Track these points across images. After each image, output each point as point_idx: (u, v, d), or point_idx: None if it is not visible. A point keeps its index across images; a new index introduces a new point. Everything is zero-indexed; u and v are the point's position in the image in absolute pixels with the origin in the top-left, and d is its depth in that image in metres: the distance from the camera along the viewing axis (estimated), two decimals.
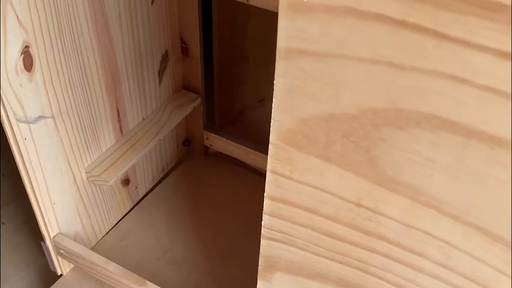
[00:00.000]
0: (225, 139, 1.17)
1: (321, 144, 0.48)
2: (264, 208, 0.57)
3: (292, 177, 0.52)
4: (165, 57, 1.03)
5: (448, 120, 0.40)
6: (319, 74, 0.44)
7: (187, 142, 1.22)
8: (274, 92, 0.48)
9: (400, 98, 0.41)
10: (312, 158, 0.49)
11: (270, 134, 0.51)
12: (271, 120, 0.50)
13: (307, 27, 0.41)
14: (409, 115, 0.41)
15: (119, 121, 0.96)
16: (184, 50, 1.08)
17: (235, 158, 1.19)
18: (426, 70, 0.38)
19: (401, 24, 0.37)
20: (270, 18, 0.91)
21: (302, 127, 0.48)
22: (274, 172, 0.53)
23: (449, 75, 0.38)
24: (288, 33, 0.43)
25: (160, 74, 1.04)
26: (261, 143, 1.20)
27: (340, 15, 0.39)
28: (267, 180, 0.54)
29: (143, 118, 1.03)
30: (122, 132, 0.98)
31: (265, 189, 0.55)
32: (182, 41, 1.06)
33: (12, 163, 0.80)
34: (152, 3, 0.93)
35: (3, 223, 1.15)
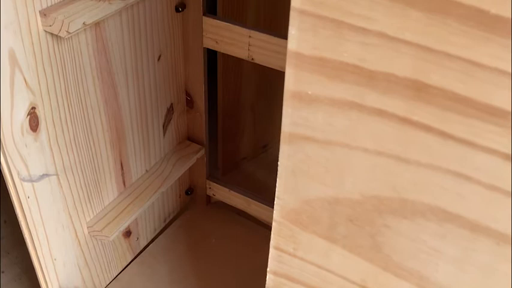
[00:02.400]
0: (227, 189, 1.17)
1: (325, 225, 0.48)
2: (266, 282, 0.56)
3: (296, 255, 0.52)
4: (170, 110, 1.04)
5: (454, 213, 0.39)
6: (324, 160, 0.44)
7: (189, 191, 1.21)
8: (278, 172, 0.48)
9: (404, 188, 0.41)
10: (316, 237, 0.49)
11: (274, 211, 0.51)
12: (275, 198, 0.50)
13: (311, 116, 0.42)
14: (414, 206, 0.41)
15: (122, 174, 0.96)
16: (189, 103, 1.09)
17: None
18: (431, 165, 0.38)
19: (405, 121, 0.37)
20: (274, 70, 0.92)
21: (306, 207, 0.48)
22: (277, 248, 0.53)
23: (454, 172, 0.38)
24: (292, 120, 0.43)
25: (165, 126, 1.04)
26: (263, 192, 1.20)
27: (345, 108, 0.40)
28: (270, 255, 0.54)
29: (147, 170, 1.03)
30: (125, 185, 0.98)
31: (268, 264, 0.55)
32: (187, 93, 1.08)
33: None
34: (159, 59, 0.95)
35: (3, 272, 1.14)
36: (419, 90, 0.35)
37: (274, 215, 0.51)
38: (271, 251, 0.53)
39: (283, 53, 0.89)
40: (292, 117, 0.43)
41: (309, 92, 0.41)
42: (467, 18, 0.31)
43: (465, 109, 0.34)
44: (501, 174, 0.36)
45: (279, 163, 0.47)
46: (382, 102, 0.38)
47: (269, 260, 0.54)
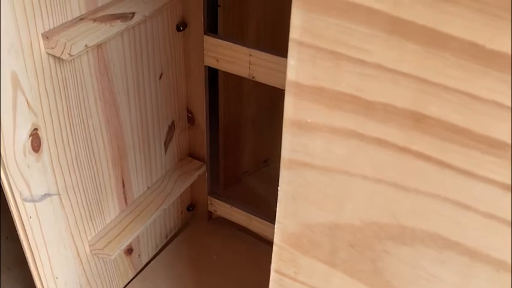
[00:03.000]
0: (229, 205, 1.17)
1: (325, 249, 0.48)
2: None
3: (297, 279, 0.52)
4: (171, 127, 1.04)
5: (453, 241, 0.40)
6: (323, 186, 0.44)
7: (191, 207, 1.21)
8: (278, 197, 0.48)
9: (403, 216, 0.41)
10: (316, 262, 0.49)
11: (274, 235, 0.51)
12: (276, 222, 0.50)
13: (311, 143, 0.42)
14: (413, 232, 0.41)
15: (124, 192, 0.97)
16: (191, 119, 1.09)
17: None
18: (429, 194, 0.38)
19: (404, 150, 0.38)
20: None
21: (306, 232, 0.48)
22: (278, 272, 0.53)
23: (452, 201, 0.38)
24: (292, 146, 0.43)
25: (166, 144, 1.05)
26: (265, 207, 1.20)
27: (344, 137, 0.40)
28: (271, 278, 0.54)
29: (148, 187, 1.03)
30: (126, 202, 0.98)
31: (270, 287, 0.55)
32: (188, 110, 1.08)
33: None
34: (160, 77, 0.95)
35: None
36: (418, 120, 0.36)
37: (274, 239, 0.51)
38: (272, 274, 0.54)
39: (283, 71, 0.89)
40: (292, 144, 0.43)
41: (309, 120, 0.41)
42: (464, 52, 0.32)
43: (464, 140, 0.35)
44: (500, 204, 0.36)
45: (279, 188, 0.47)
46: (381, 131, 0.38)
47: (270, 283, 0.54)
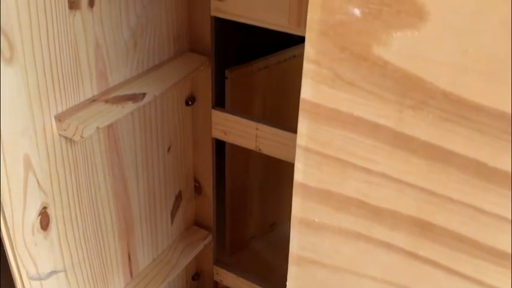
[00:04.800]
0: (235, 275, 1.15)
1: None
2: None
3: None
4: (178, 197, 1.05)
5: None
6: (332, 284, 0.44)
7: (196, 276, 1.20)
8: None
9: None
10: None
11: None
12: None
13: (319, 242, 0.42)
14: None
15: (130, 265, 0.96)
16: (198, 189, 1.10)
17: None
18: None
19: (412, 255, 0.38)
20: None
21: None
22: None
23: None
24: (299, 243, 0.44)
25: (173, 214, 1.05)
26: (271, 274, 1.18)
27: (352, 238, 0.40)
28: None
29: (154, 259, 1.03)
30: (131, 275, 0.97)
31: None
32: (195, 180, 1.09)
33: None
34: (168, 150, 0.97)
35: None
36: (424, 228, 0.36)
37: None
38: None
39: (289, 145, 0.91)
40: (300, 242, 0.44)
41: (316, 220, 0.41)
42: (467, 168, 0.33)
43: (470, 249, 0.35)
44: None
45: (287, 283, 0.47)
46: (388, 235, 0.38)
47: None
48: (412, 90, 0.32)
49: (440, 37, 0.30)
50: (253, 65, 1.12)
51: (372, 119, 0.34)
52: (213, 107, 0.97)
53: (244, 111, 1.12)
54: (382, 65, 0.33)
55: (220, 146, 1.09)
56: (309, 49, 0.35)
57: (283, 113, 1.19)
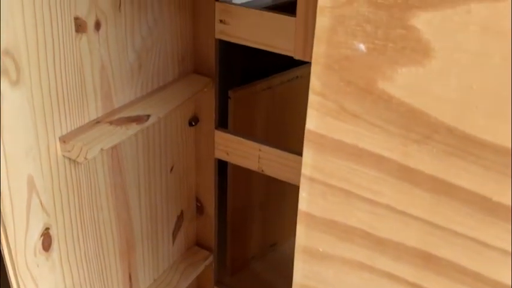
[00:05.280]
0: None
1: None
2: None
3: None
4: (180, 217, 1.05)
5: None
6: None
7: None
8: None
9: None
10: None
11: None
12: None
13: (323, 271, 0.42)
14: None
15: (130, 286, 0.96)
16: (199, 209, 1.10)
17: None
18: None
19: (416, 287, 0.38)
20: None
21: None
22: None
23: None
24: (303, 272, 0.44)
25: (175, 234, 1.05)
26: None
27: (356, 268, 0.40)
28: None
29: (154, 279, 1.02)
30: None
31: None
32: (197, 200, 1.09)
33: None
34: (171, 170, 0.97)
35: None
36: (428, 260, 0.36)
37: None
38: None
39: (292, 166, 0.91)
40: (304, 271, 0.44)
41: (320, 249, 0.41)
42: (472, 202, 0.33)
43: (474, 283, 0.35)
44: None
45: None
46: (392, 266, 0.38)
47: None
48: (416, 124, 0.32)
49: (444, 74, 0.30)
50: (256, 85, 1.13)
51: (377, 151, 0.35)
52: (216, 128, 0.97)
53: (247, 131, 1.13)
54: (387, 99, 0.33)
55: (222, 166, 1.09)
56: (315, 81, 0.36)
57: (286, 133, 1.19)
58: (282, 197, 1.33)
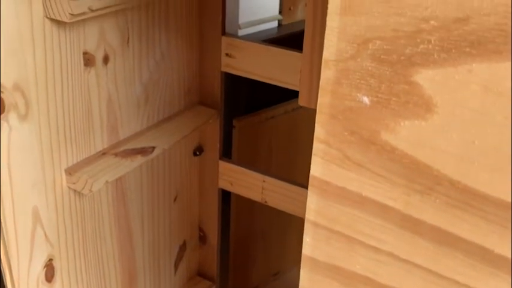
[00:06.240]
0: None
1: None
2: None
3: None
4: (182, 247, 1.05)
5: None
6: None
7: None
8: None
9: None
10: None
11: None
12: None
13: None
14: None
15: None
16: (202, 238, 1.10)
17: None
18: None
19: None
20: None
21: None
22: None
23: None
24: None
25: (177, 264, 1.05)
26: None
27: None
28: None
29: None
30: None
31: None
32: (200, 229, 1.09)
33: None
34: (175, 200, 0.98)
35: None
36: None
37: None
38: None
39: (295, 198, 0.91)
40: None
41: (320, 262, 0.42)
42: (474, 254, 0.33)
43: None
44: None
45: None
46: None
47: None
48: (419, 176, 0.33)
49: (446, 128, 0.31)
50: (260, 114, 1.14)
51: (380, 200, 0.35)
52: (220, 158, 0.98)
53: (251, 160, 1.13)
54: (390, 150, 0.34)
55: (226, 196, 1.09)
56: (319, 130, 0.36)
57: (289, 162, 1.20)
58: (284, 226, 1.33)
